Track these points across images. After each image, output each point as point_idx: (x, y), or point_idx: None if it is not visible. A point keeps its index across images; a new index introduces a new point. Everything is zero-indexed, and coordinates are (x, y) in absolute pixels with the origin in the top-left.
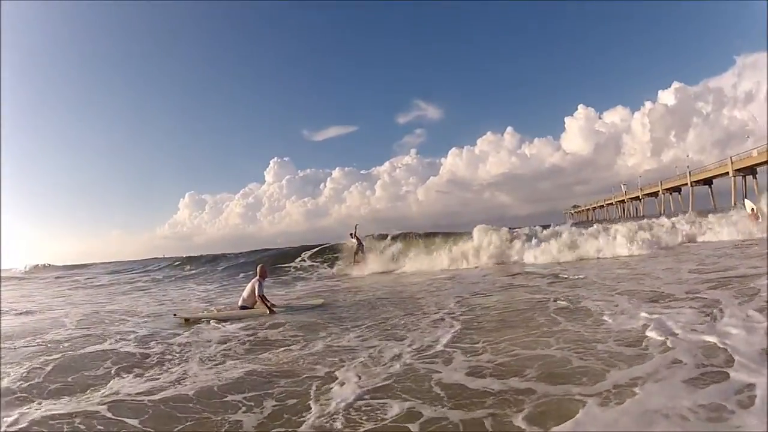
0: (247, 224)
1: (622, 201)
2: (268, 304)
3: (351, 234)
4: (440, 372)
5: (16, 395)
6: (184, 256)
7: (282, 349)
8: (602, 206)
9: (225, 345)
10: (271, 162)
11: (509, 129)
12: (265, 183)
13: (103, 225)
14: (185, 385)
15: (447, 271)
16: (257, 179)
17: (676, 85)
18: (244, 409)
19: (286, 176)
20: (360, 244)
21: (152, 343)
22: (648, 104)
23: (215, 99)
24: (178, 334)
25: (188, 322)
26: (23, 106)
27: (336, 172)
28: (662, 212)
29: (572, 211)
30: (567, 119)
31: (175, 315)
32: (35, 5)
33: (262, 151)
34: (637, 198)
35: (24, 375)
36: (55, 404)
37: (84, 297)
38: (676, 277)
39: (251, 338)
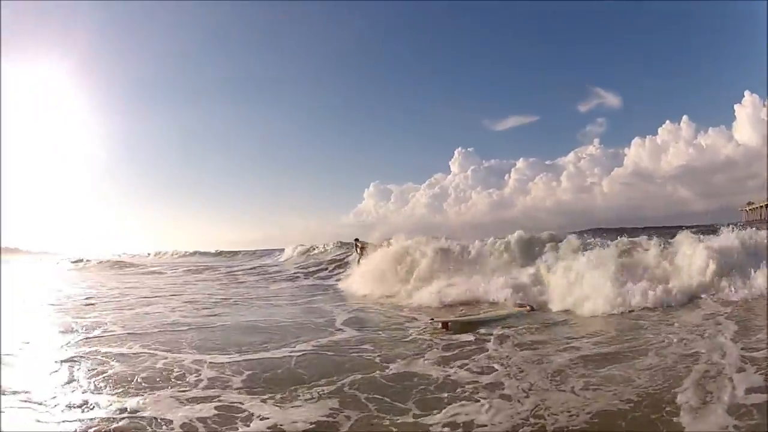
0: (434, 214)
1: None
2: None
3: (356, 246)
4: None
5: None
6: None
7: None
8: None
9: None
10: (455, 152)
11: (685, 117)
12: (450, 173)
13: (283, 212)
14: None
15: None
16: (442, 169)
17: None
18: None
19: (471, 167)
20: (364, 248)
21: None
22: None
23: (395, 93)
24: (482, 346)
25: (446, 328)
26: (203, 97)
27: (520, 163)
28: None
29: (747, 209)
30: (736, 107)
31: (432, 320)
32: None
33: (446, 142)
34: None
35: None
36: None
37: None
38: None
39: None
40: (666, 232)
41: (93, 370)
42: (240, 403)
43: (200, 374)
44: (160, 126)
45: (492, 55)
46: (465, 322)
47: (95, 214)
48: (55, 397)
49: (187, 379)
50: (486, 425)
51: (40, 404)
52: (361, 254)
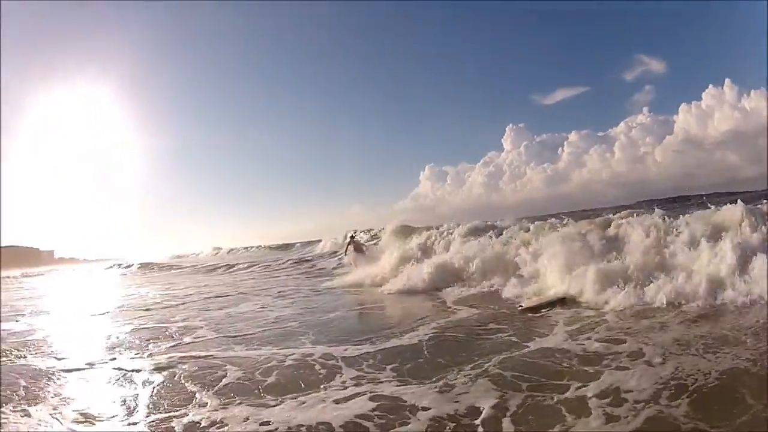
0: (490, 193)
1: None
2: None
3: (348, 242)
4: None
5: None
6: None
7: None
8: None
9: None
10: (507, 129)
11: (727, 81)
12: (504, 151)
13: (341, 202)
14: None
15: None
16: (496, 147)
17: None
18: None
19: (523, 143)
20: (358, 249)
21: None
22: None
23: (445, 75)
24: (602, 318)
25: (532, 310)
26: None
27: (572, 136)
28: None
29: None
30: None
31: (520, 307)
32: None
33: (496, 119)
34: None
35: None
36: None
37: None
38: None
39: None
40: (725, 199)
41: (208, 377)
42: (396, 395)
43: (340, 371)
44: (204, 130)
45: (534, 29)
46: (547, 303)
47: (141, 221)
48: (169, 414)
49: (328, 378)
50: (632, 390)
51: (158, 427)
52: (355, 253)
